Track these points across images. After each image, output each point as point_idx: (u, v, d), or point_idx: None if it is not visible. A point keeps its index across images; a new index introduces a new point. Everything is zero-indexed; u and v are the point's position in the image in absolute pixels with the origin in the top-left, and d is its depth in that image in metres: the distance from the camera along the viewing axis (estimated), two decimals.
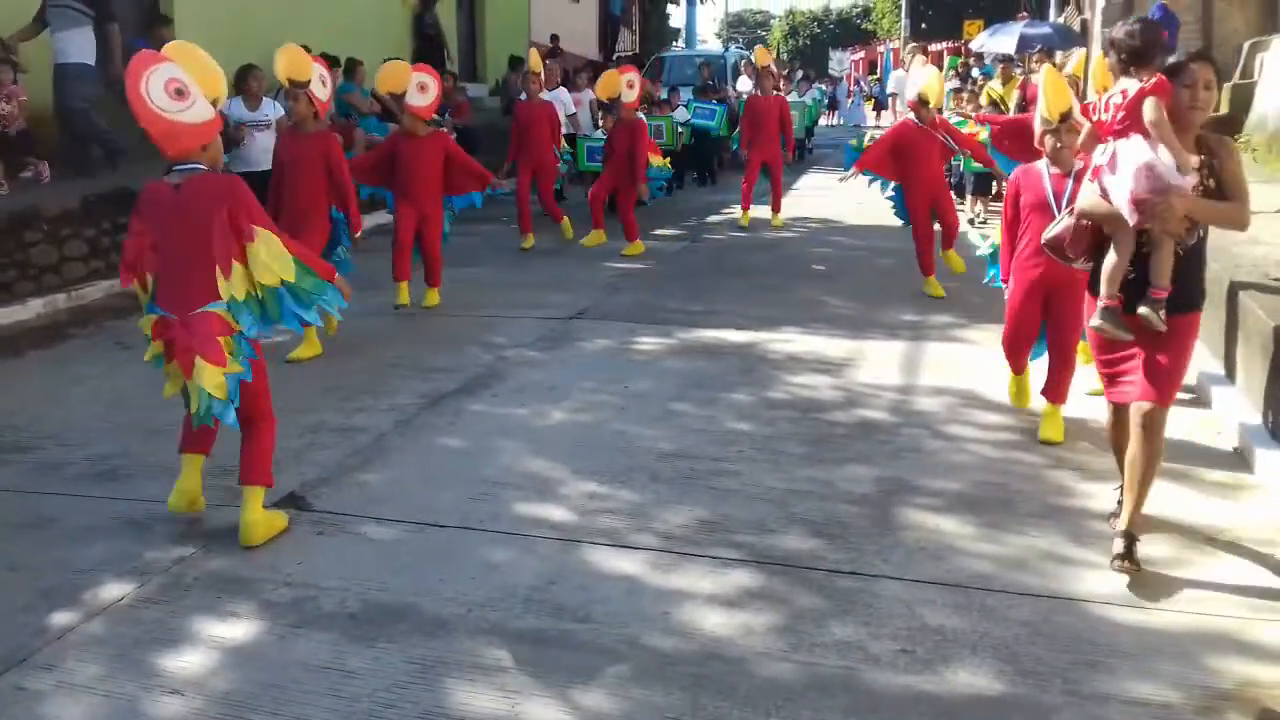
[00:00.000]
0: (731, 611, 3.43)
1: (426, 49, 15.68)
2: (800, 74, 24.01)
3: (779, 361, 6.30)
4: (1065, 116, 4.68)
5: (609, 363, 6.33)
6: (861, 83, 36.39)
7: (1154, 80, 3.46)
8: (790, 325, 7.09)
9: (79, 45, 8.79)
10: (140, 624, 3.35)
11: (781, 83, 19.97)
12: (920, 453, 4.87)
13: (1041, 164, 4.85)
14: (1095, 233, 3.78)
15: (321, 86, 6.48)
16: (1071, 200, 4.34)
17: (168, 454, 4.77)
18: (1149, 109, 3.44)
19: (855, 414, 5.39)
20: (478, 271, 9.06)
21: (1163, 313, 3.53)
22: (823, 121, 31.18)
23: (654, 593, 3.56)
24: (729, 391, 5.71)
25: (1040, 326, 5.05)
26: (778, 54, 52.52)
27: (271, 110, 8.69)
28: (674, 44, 31.82)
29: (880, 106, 31.20)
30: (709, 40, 53.34)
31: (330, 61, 12.08)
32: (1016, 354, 5.17)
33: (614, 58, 22.94)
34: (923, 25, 44.74)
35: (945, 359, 6.26)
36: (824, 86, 24.45)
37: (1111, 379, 3.79)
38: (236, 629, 3.32)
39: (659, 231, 11.42)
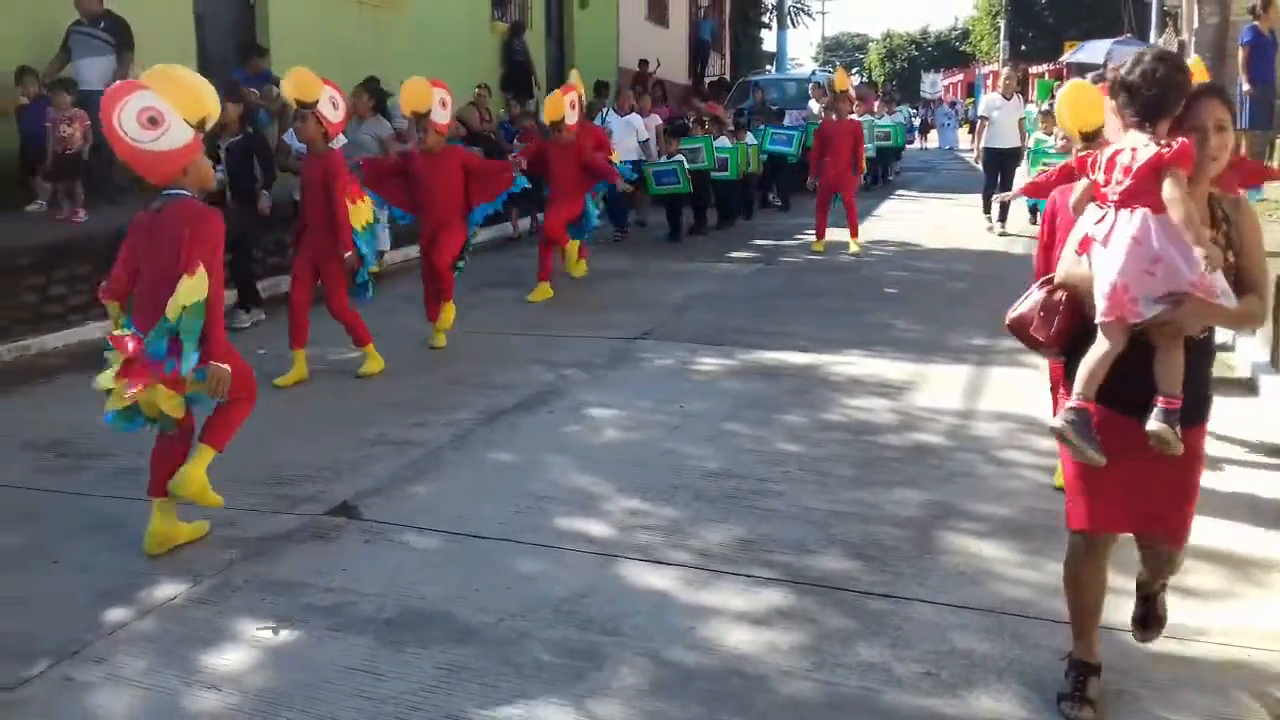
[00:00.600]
0: (758, 629, 3.45)
1: (515, 75, 16.02)
2: (882, 96, 23.67)
3: (838, 384, 6.28)
4: (1090, 136, 4.18)
5: (667, 382, 6.39)
6: (957, 106, 35.91)
7: (1177, 146, 2.67)
8: (854, 348, 7.05)
9: (100, 73, 8.75)
10: (188, 623, 3.51)
11: (876, 105, 19.84)
12: (972, 477, 4.81)
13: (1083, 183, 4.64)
14: (1074, 313, 2.93)
15: (331, 108, 6.44)
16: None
17: (230, 462, 4.98)
18: (1170, 187, 2.66)
19: (909, 437, 5.35)
20: (553, 290, 9.20)
21: (1179, 429, 2.72)
22: (915, 145, 30.91)
23: (683, 608, 3.60)
24: (783, 413, 5.72)
25: None
26: (868, 77, 52.07)
27: (376, 128, 8.98)
28: (766, 68, 31.84)
29: (974, 130, 30.76)
30: (804, 64, 53.31)
31: None
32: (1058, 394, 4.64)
33: (704, 82, 23.07)
34: (1022, 47, 44.07)
35: (1009, 384, 6.16)
36: (913, 109, 23.98)
37: (1092, 494, 2.90)
38: (277, 632, 3.44)
39: (734, 254, 11.47)
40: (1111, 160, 2.82)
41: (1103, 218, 2.83)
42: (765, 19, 33.85)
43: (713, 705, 3.02)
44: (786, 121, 16.02)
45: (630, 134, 12.24)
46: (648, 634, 3.41)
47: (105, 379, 3.86)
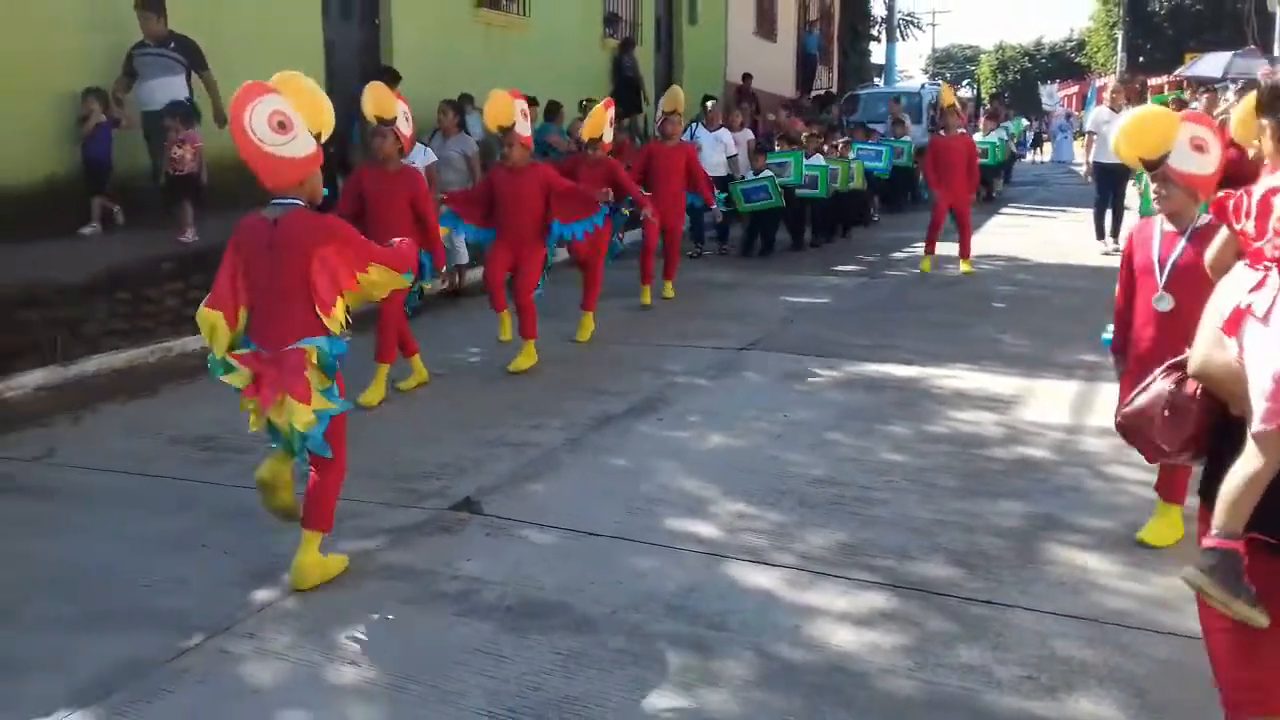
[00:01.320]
0: (861, 630, 3.58)
1: (624, 90, 16.34)
2: (987, 110, 23.08)
3: (943, 396, 6.34)
4: (1153, 165, 3.92)
5: (772, 392, 6.53)
6: (1071, 118, 35.14)
7: None
8: (959, 361, 7.10)
9: (171, 93, 8.55)
10: (327, 603, 3.79)
11: (982, 123, 19.53)
12: (1079, 491, 4.85)
13: (1160, 218, 4.12)
14: (1209, 412, 2.26)
15: (405, 122, 6.42)
16: (1180, 268, 3.89)
17: (362, 458, 5.29)
18: None
19: (1015, 451, 5.40)
20: (659, 302, 9.42)
21: None
22: (1029, 158, 30.37)
23: (788, 607, 3.75)
24: (887, 424, 5.81)
25: None
26: (978, 90, 51.20)
27: (420, 158, 8.45)
28: (874, 81, 31.68)
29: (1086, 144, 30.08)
30: (913, 76, 52.75)
31: (531, 101, 12.87)
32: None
33: (806, 97, 23.12)
34: (1140, 59, 42.91)
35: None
36: (1026, 121, 23.37)
37: (1258, 666, 2.18)
38: (408, 614, 3.71)
39: (839, 268, 11.54)
40: (1267, 203, 2.12)
41: (1261, 283, 2.10)
42: (874, 31, 33.65)
43: (814, 698, 3.17)
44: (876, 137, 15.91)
45: (719, 150, 12.26)
46: (754, 630, 3.57)
47: (238, 379, 3.87)
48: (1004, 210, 17.18)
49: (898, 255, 12.33)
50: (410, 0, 12.41)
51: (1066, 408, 6.10)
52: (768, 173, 12.09)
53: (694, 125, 12.79)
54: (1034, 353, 7.38)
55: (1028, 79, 63.02)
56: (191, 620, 3.65)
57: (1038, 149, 31.99)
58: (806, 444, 5.49)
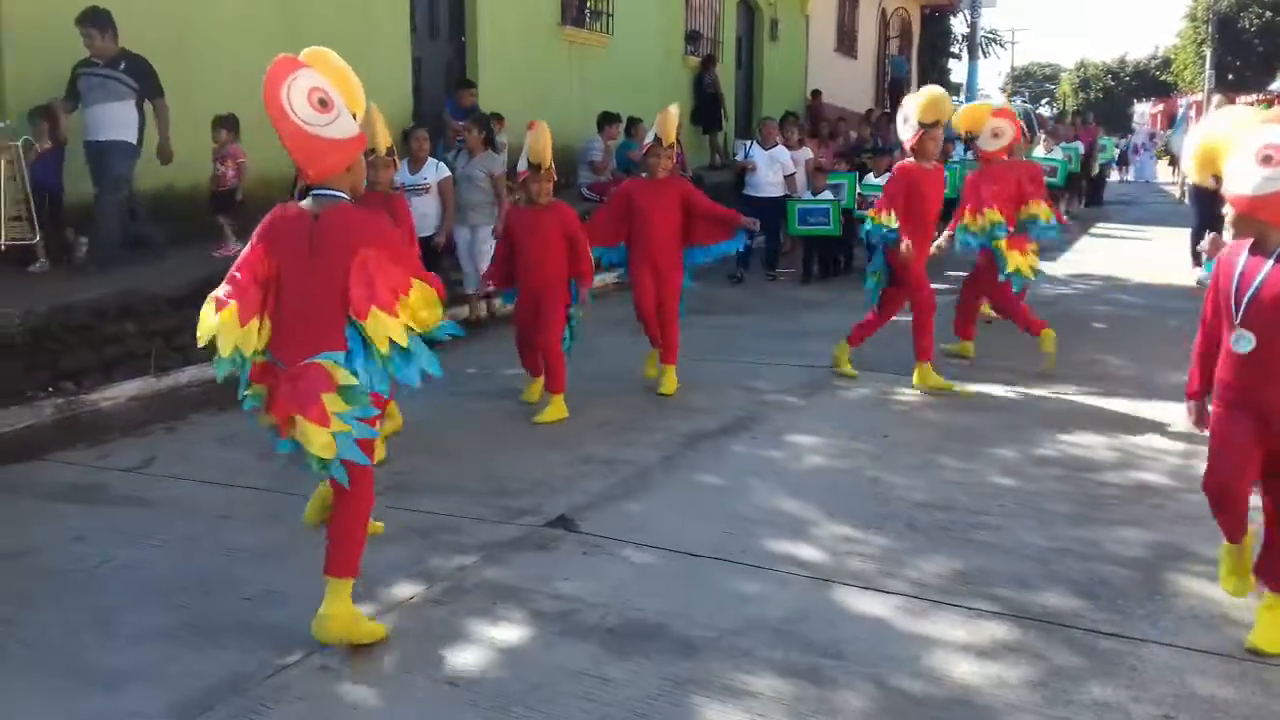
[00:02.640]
0: (984, 662, 3.39)
1: (706, 107, 16.27)
2: (1048, 126, 21.68)
3: (1049, 418, 6.10)
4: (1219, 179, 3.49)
5: (869, 411, 6.34)
6: (1155, 138, 34.26)
7: None
8: (1063, 382, 6.84)
9: (117, 121, 7.64)
10: (425, 621, 3.71)
11: (1042, 143, 18.00)
12: (1201, 519, 4.56)
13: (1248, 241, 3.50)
14: None
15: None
16: (1264, 298, 3.28)
17: (454, 474, 5.24)
18: None
19: (1130, 476, 5.15)
20: (745, 320, 9.27)
21: None
22: (1113, 177, 29.64)
23: (904, 637, 3.57)
24: (992, 446, 5.59)
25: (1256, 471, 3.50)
26: (1059, 108, 50.19)
27: (433, 173, 8.40)
28: (954, 99, 31.24)
29: (1175, 163, 29.30)
30: (990, 94, 52.01)
31: (611, 119, 12.85)
32: (1224, 508, 3.56)
33: (885, 111, 22.82)
34: (1229, 76, 41.81)
35: None
36: (1117, 140, 22.42)
37: None
38: (508, 632, 3.60)
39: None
40: None
41: None
42: (954, 49, 33.21)
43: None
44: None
45: (775, 169, 11.65)
46: (870, 659, 3.40)
47: (254, 395, 3.50)
48: (1094, 230, 16.73)
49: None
50: (496, 18, 12.49)
51: (1179, 432, 5.82)
52: (829, 195, 11.38)
53: (749, 144, 12.31)
54: (1139, 375, 7.09)
55: (1111, 97, 61.80)
56: (291, 635, 3.58)
57: (1123, 168, 31.22)
58: (909, 465, 5.30)
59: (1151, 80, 59.71)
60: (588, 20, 14.41)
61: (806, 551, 4.28)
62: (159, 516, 4.82)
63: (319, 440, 3.27)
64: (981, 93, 38.08)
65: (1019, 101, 23.24)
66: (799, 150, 12.72)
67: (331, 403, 3.27)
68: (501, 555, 4.26)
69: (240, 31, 9.21)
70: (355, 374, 3.31)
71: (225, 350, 3.29)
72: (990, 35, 36.53)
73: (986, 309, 8.39)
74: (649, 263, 6.74)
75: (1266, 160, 3.27)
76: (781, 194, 11.64)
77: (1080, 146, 18.01)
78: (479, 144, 9.11)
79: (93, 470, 5.50)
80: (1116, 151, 22.55)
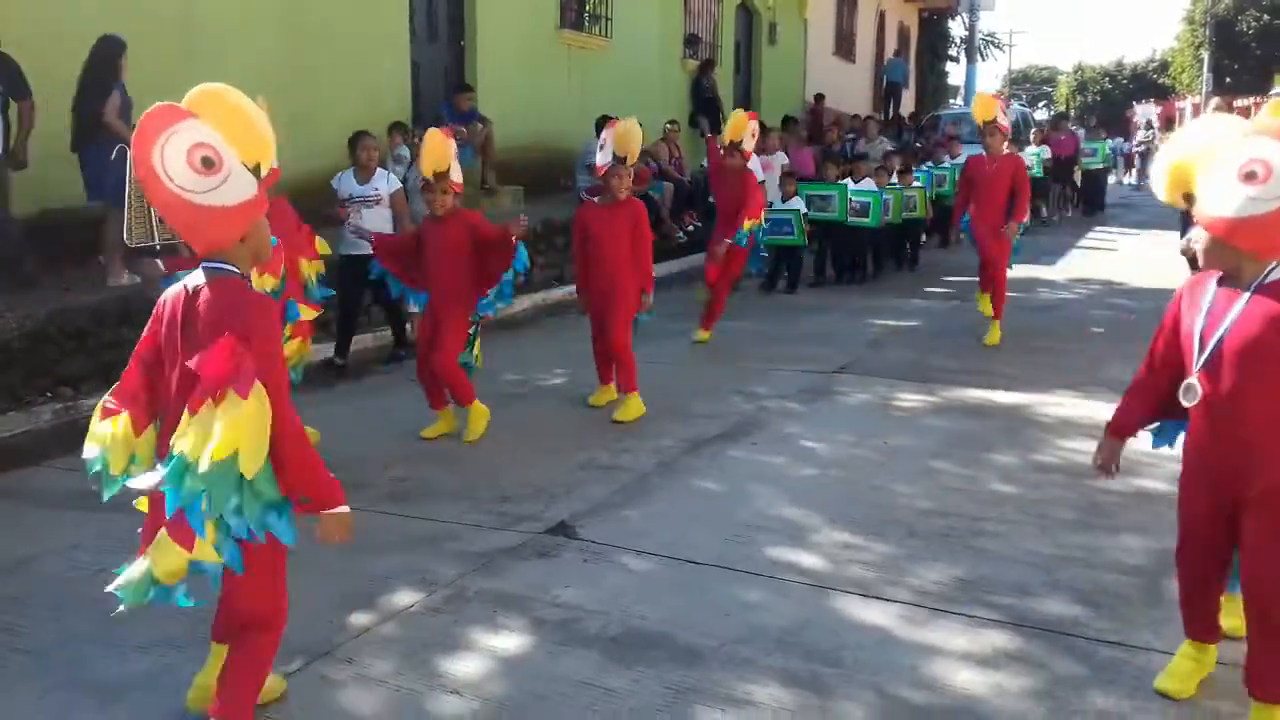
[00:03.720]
0: (985, 670, 3.38)
1: (704, 111, 16.27)
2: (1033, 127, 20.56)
3: (1049, 425, 6.09)
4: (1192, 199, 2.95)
5: (869, 417, 6.34)
6: (1156, 139, 34.28)
7: None
8: (1063, 388, 6.83)
9: None
10: (426, 629, 3.70)
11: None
12: None
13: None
14: None
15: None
16: (1233, 339, 2.83)
17: (454, 480, 5.23)
18: None
19: (1131, 482, 5.13)
20: (743, 325, 9.27)
21: None
22: (1125, 180, 29.64)
23: (905, 645, 3.56)
24: (993, 452, 5.59)
25: (1230, 551, 3.08)
26: (1054, 110, 50.16)
27: (384, 184, 7.65)
28: (952, 102, 31.29)
29: None
30: None
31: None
32: (1190, 597, 3.25)
33: (889, 117, 22.86)
34: (1226, 79, 41.89)
35: None
36: (1106, 142, 21.56)
37: None
38: (509, 641, 3.60)
39: (927, 289, 11.30)
40: None
41: None
42: (953, 52, 33.26)
43: None
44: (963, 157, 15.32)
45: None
46: (871, 668, 3.39)
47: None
48: (1094, 231, 16.75)
49: None
50: (495, 22, 12.48)
51: (1179, 439, 5.80)
52: (796, 204, 10.99)
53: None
54: None
55: (1108, 99, 61.86)
56: (291, 644, 3.54)
57: (1130, 171, 31.16)
58: (910, 472, 5.29)
59: (1149, 83, 59.77)
60: (586, 24, 14.42)
61: (807, 559, 4.27)
62: None
63: (168, 566, 2.73)
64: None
65: (1015, 105, 23.22)
66: (775, 155, 12.40)
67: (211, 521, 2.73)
68: (502, 563, 4.25)
69: (242, 37, 9.20)
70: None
71: (116, 467, 2.87)
72: (988, 38, 36.61)
73: (986, 308, 8.38)
74: (599, 291, 6.46)
75: (1250, 177, 2.73)
76: None
77: (1045, 151, 17.22)
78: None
79: (90, 478, 5.47)
80: (1110, 154, 21.90)
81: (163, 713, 3.17)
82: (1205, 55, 45.05)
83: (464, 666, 3.43)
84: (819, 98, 19.88)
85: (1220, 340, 2.86)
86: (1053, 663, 3.43)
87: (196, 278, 2.81)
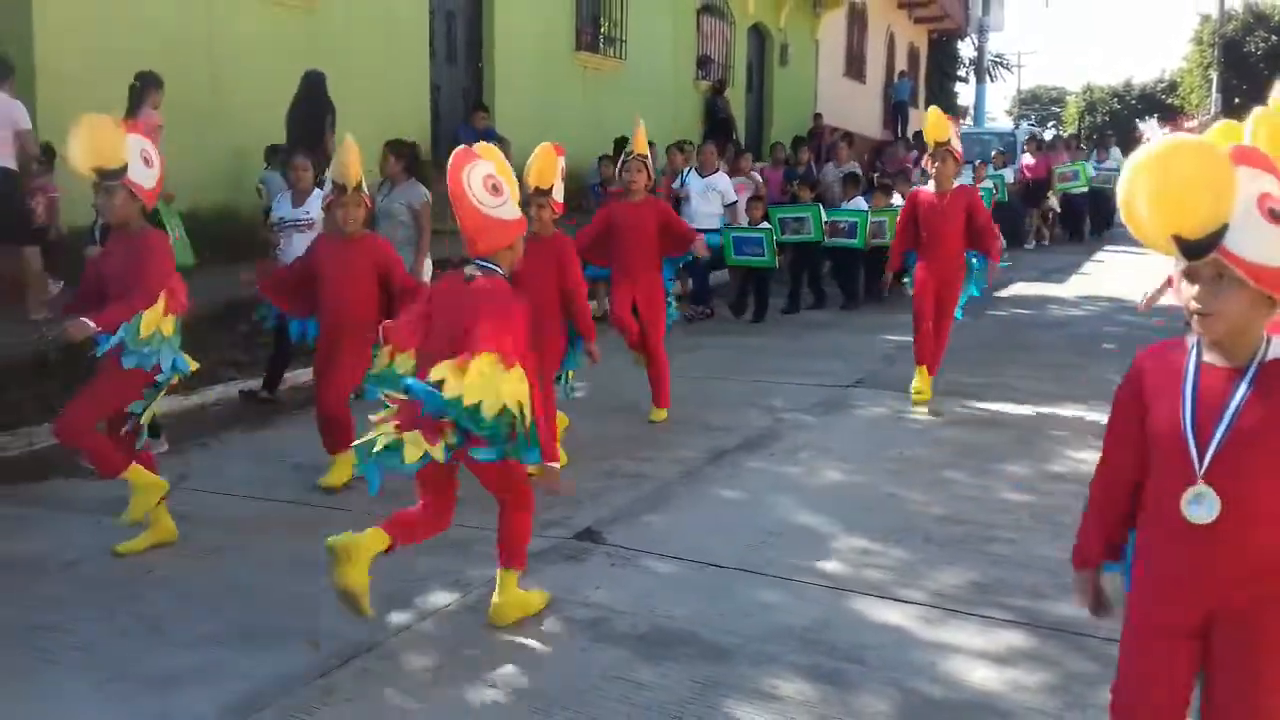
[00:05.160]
0: (1002, 668, 3.52)
1: (718, 131, 16.51)
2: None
3: (1062, 437, 6.24)
4: (1197, 247, 2.05)
5: (884, 429, 6.49)
6: None
7: None
8: (1075, 402, 6.98)
9: None
10: (462, 627, 3.85)
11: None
12: None
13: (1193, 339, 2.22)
14: None
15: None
16: (1241, 436, 2.09)
17: (482, 490, 5.38)
18: None
19: None
20: (759, 340, 9.43)
21: None
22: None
23: (924, 644, 3.70)
24: (1006, 463, 5.73)
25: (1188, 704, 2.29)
26: (1062, 131, 50.25)
27: (315, 208, 7.00)
28: (962, 121, 31.50)
29: None
30: (996, 118, 52.32)
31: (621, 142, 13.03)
32: None
33: (899, 137, 23.06)
34: (1235, 100, 42.03)
35: None
36: (1090, 163, 19.85)
37: None
38: (542, 638, 3.75)
39: None
40: None
41: None
42: (962, 73, 33.52)
43: None
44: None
45: (710, 198, 10.76)
46: (891, 665, 3.53)
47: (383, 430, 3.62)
48: (1105, 248, 16.90)
49: (1002, 295, 12.17)
50: (512, 44, 12.74)
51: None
52: (766, 226, 10.66)
53: (686, 171, 11.34)
54: None
55: (1118, 120, 62.03)
56: (334, 640, 3.73)
57: None
58: (925, 481, 5.44)
59: (1157, 104, 59.95)
60: (601, 46, 14.68)
61: (826, 563, 4.42)
62: (196, 529, 4.96)
63: (414, 452, 3.55)
64: (988, 116, 38.41)
65: (1025, 125, 23.39)
66: (745, 177, 12.05)
67: (445, 434, 3.57)
68: (533, 566, 4.37)
69: (264, 61, 9.43)
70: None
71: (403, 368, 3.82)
72: (997, 59, 36.86)
73: (925, 387, 7.13)
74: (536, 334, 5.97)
75: (1274, 215, 2.03)
76: (718, 225, 10.68)
77: (1007, 174, 16.21)
78: (400, 173, 7.87)
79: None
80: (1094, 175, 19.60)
81: (218, 704, 3.32)
82: (1214, 75, 45.22)
83: (499, 661, 3.58)
84: (817, 117, 20.08)
85: (1227, 434, 2.12)
86: (1066, 660, 3.56)
87: (472, 270, 3.73)
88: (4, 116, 7.25)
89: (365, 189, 5.47)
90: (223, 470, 5.88)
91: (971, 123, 29.94)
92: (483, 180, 3.67)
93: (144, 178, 4.55)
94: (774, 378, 7.95)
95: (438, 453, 3.54)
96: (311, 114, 8.54)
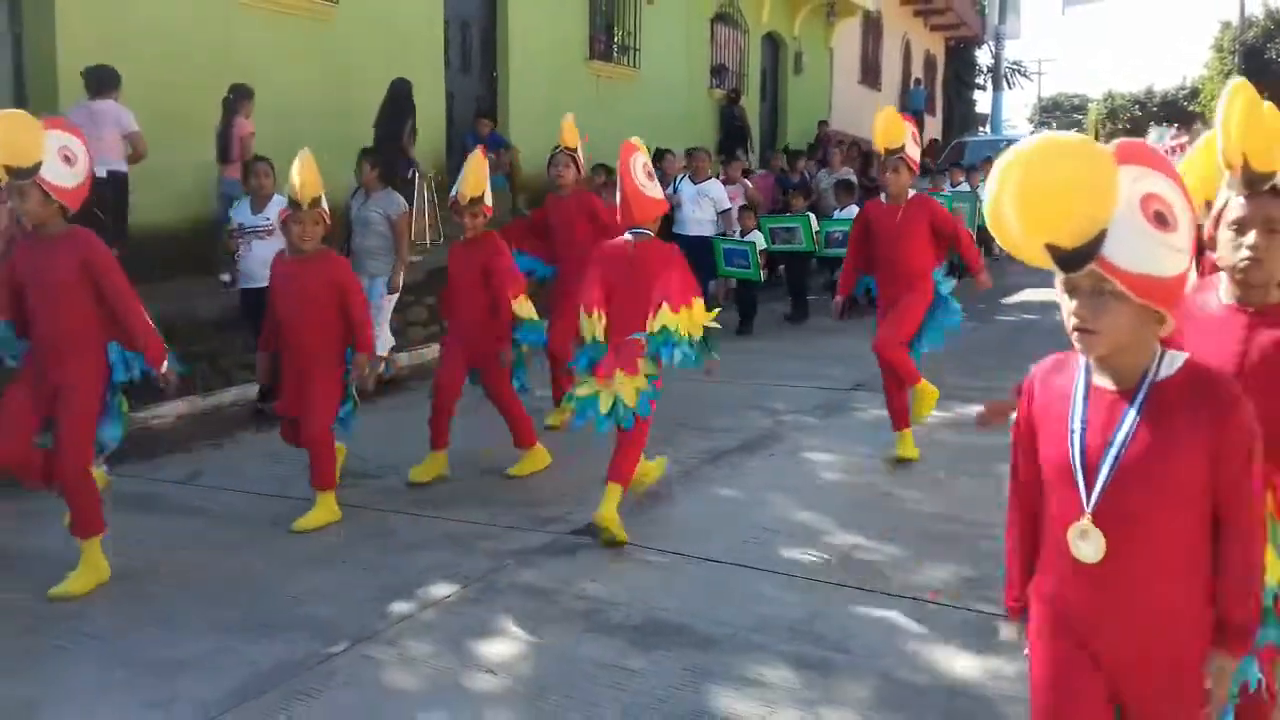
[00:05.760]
0: (984, 658, 3.61)
1: (732, 139, 16.62)
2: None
3: None
4: (1072, 258, 1.85)
5: (883, 432, 6.54)
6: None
7: None
8: None
9: None
10: (462, 617, 3.97)
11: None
12: None
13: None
14: None
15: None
16: (1126, 473, 1.93)
17: (484, 488, 5.52)
18: None
19: None
20: (761, 344, 9.54)
21: None
22: None
23: (910, 634, 3.80)
24: (1003, 464, 5.78)
25: None
26: (1095, 135, 49.99)
27: (274, 214, 6.79)
28: (979, 129, 31.52)
29: None
30: (1016, 125, 52.21)
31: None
32: None
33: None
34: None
35: None
36: None
37: None
38: (539, 628, 3.86)
39: None
40: None
41: None
42: (979, 80, 33.53)
43: (948, 717, 3.23)
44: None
45: (703, 205, 10.58)
46: (877, 654, 3.63)
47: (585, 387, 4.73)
48: None
49: (1006, 301, 12.24)
50: (526, 53, 12.89)
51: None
52: (754, 237, 10.47)
53: (679, 177, 11.08)
54: None
55: (1139, 127, 61.81)
56: (336, 629, 3.86)
57: None
58: (921, 482, 5.53)
59: (1179, 111, 59.71)
60: (615, 54, 14.82)
61: (820, 558, 4.52)
62: (210, 524, 5.12)
63: (629, 388, 4.65)
64: (1007, 123, 38.37)
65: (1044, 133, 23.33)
66: (738, 184, 11.88)
67: (643, 365, 4.70)
68: (532, 560, 4.52)
69: (279, 71, 9.61)
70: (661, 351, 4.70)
71: (592, 333, 4.81)
72: (1015, 66, 36.86)
73: (909, 449, 6.11)
74: (458, 338, 5.80)
75: (1160, 220, 1.84)
76: (712, 233, 10.61)
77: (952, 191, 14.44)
78: (375, 181, 7.69)
79: (146, 482, 5.81)
80: None
81: (222, 689, 3.45)
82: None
83: (497, 650, 3.70)
84: (822, 124, 20.10)
85: (1116, 464, 1.94)
86: None
87: (632, 239, 4.90)
88: (113, 121, 7.73)
89: (324, 204, 5.08)
90: (237, 470, 6.03)
91: (989, 129, 29.96)
92: (641, 167, 4.84)
93: (63, 177, 4.19)
94: (775, 381, 8.05)
95: (641, 382, 4.73)
96: (394, 118, 9.56)
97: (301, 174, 4.96)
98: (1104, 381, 2.00)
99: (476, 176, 5.70)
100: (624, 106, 14.61)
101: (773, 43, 19.89)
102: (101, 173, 7.08)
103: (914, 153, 5.87)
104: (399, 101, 9.70)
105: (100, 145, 7.09)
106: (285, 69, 9.67)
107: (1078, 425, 2.00)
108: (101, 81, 7.74)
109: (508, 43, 12.75)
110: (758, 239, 10.54)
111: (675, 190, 10.68)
